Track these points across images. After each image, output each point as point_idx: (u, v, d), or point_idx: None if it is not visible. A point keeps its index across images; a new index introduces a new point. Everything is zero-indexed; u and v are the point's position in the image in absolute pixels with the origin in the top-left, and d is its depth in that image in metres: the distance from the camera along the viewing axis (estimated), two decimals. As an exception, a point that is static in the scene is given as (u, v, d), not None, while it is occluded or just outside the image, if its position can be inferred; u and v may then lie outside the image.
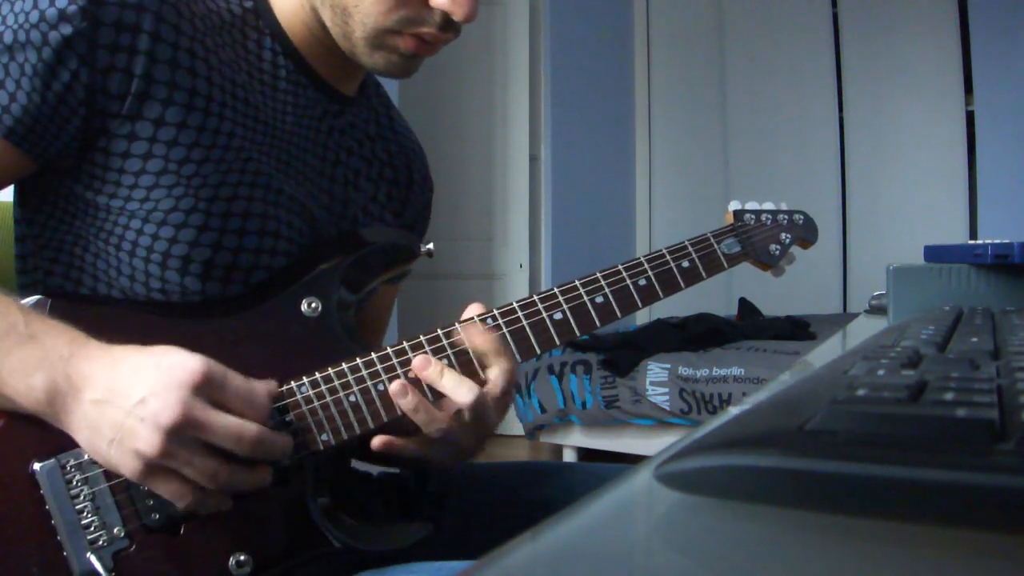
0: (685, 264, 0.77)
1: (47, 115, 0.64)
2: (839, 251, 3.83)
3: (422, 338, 0.70)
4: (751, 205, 0.83)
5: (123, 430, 0.57)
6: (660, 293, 0.75)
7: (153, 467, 0.58)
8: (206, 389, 0.58)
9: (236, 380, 0.60)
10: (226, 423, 0.58)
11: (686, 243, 0.78)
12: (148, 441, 0.57)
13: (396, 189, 0.87)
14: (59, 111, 0.64)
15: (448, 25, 0.69)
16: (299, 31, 0.74)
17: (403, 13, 0.68)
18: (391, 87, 2.54)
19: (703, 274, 0.78)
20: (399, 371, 0.68)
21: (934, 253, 0.84)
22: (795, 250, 0.84)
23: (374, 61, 0.71)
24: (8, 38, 0.62)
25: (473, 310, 0.72)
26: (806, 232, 0.84)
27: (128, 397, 0.57)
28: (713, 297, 3.62)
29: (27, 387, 0.59)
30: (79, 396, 0.59)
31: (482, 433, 0.70)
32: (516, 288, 3.54)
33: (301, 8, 0.73)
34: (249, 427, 0.59)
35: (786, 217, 0.83)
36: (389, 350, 0.69)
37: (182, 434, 0.57)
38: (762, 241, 0.81)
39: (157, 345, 0.61)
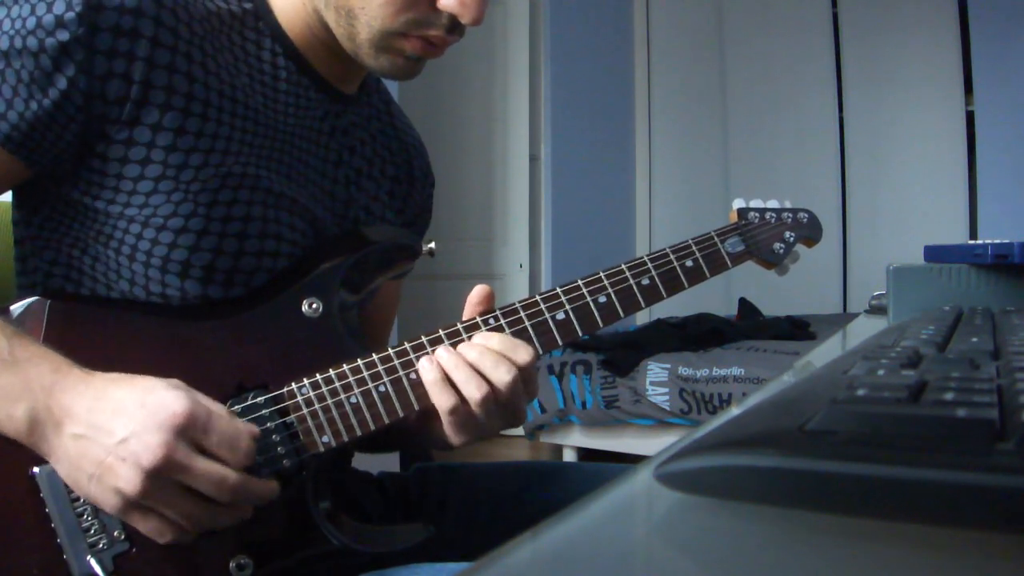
0: (689, 263, 0.76)
1: (44, 122, 0.63)
2: (839, 251, 3.83)
3: (424, 339, 0.70)
4: (755, 203, 0.83)
5: (103, 467, 0.57)
6: (664, 293, 0.75)
7: (132, 505, 0.57)
8: (190, 432, 0.57)
9: (221, 423, 0.59)
10: (207, 469, 0.58)
11: (689, 242, 0.77)
12: (128, 480, 0.56)
13: (398, 186, 0.87)
14: (56, 118, 0.63)
15: (454, 27, 0.69)
16: (300, 32, 0.74)
17: (410, 15, 0.67)
18: (391, 88, 2.53)
19: (707, 273, 0.77)
20: (400, 372, 0.68)
21: (934, 253, 0.84)
22: (798, 249, 0.83)
23: (379, 63, 0.71)
24: (4, 44, 0.62)
25: (477, 295, 0.71)
26: (810, 230, 0.83)
27: (110, 435, 0.57)
28: (713, 297, 3.62)
29: (7, 416, 0.58)
30: (60, 429, 0.58)
31: (509, 419, 0.69)
32: (516, 288, 3.54)
33: (303, 8, 0.73)
34: (231, 475, 0.58)
35: (790, 215, 0.82)
36: (391, 351, 0.69)
37: (163, 476, 0.56)
38: (766, 240, 0.81)
39: (142, 376, 0.60)
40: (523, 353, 0.67)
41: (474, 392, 0.65)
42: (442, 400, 0.66)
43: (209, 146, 0.67)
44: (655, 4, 4.28)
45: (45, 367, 0.59)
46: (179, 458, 0.56)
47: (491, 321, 0.71)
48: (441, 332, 0.70)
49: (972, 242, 0.83)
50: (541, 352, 0.72)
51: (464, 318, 0.71)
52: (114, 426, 0.57)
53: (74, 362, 0.60)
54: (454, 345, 0.69)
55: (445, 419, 0.67)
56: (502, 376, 0.65)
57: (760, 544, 0.21)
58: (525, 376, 0.67)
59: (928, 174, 3.67)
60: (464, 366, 0.66)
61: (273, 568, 0.65)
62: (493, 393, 0.66)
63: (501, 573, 0.20)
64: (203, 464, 0.58)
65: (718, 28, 4.13)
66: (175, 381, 0.60)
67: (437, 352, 0.67)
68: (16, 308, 0.66)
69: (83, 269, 0.69)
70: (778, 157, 3.94)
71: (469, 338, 0.69)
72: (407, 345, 0.69)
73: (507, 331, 0.71)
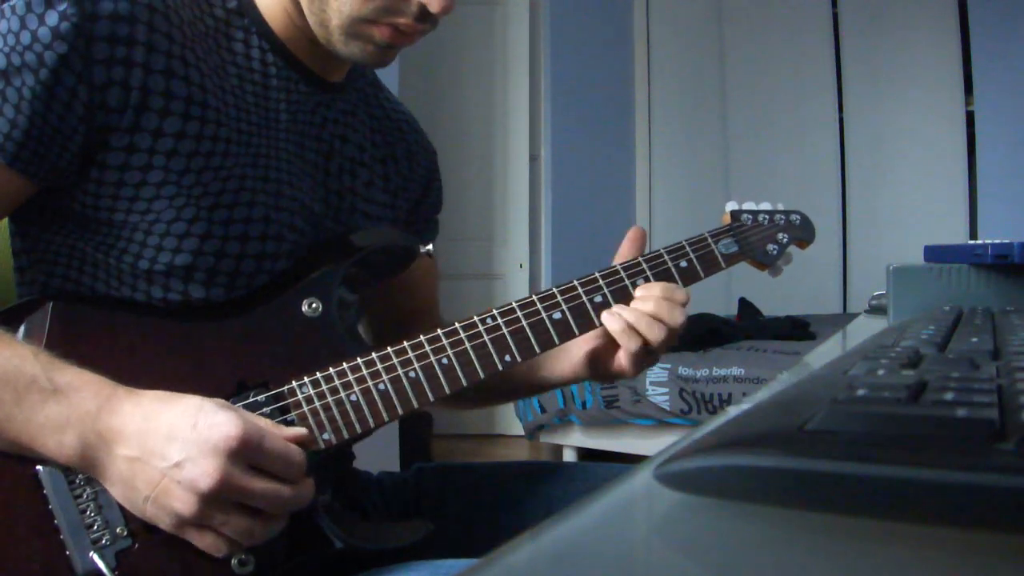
0: (683, 264, 0.78)
1: (49, 137, 0.62)
2: (839, 251, 3.83)
3: (422, 337, 0.70)
4: (748, 205, 0.84)
5: (159, 488, 0.57)
6: None
7: (189, 524, 0.58)
8: (244, 453, 0.58)
9: (274, 441, 0.59)
10: (263, 489, 0.58)
11: (683, 243, 0.79)
12: (185, 502, 0.57)
13: (394, 165, 0.87)
14: (61, 131, 0.63)
15: (424, 16, 0.68)
16: (282, 23, 0.74)
17: (379, 2, 0.67)
18: (391, 87, 2.52)
19: (701, 274, 0.79)
20: (399, 371, 0.69)
21: (934, 253, 0.84)
22: (794, 250, 0.84)
23: (350, 50, 0.71)
24: (1, 63, 0.61)
25: (632, 235, 0.81)
26: (803, 232, 0.84)
27: (163, 458, 0.57)
28: (713, 297, 3.61)
29: (58, 445, 0.58)
30: (111, 451, 0.58)
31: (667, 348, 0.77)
32: (516, 288, 3.54)
33: None
34: (285, 491, 0.59)
35: (783, 217, 0.84)
36: (390, 349, 0.69)
37: (219, 498, 0.57)
38: (759, 241, 0.82)
39: (188, 396, 0.60)
40: (681, 294, 0.76)
41: (658, 336, 0.74)
42: (630, 344, 0.75)
43: (209, 149, 0.67)
44: (655, 4, 4.28)
45: (87, 391, 0.59)
46: (234, 481, 0.57)
47: (488, 320, 0.72)
48: (440, 331, 0.71)
49: (972, 242, 0.82)
50: (539, 351, 0.72)
51: (619, 258, 0.79)
52: (168, 450, 0.57)
53: (114, 380, 0.60)
54: (454, 344, 0.70)
55: (628, 358, 0.77)
56: (677, 319, 0.75)
57: (760, 544, 0.21)
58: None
59: (928, 174, 3.67)
60: (645, 317, 0.74)
61: (274, 565, 0.65)
62: (670, 333, 0.75)
63: (501, 573, 0.20)
64: (259, 484, 0.58)
65: (718, 28, 4.13)
66: (221, 401, 0.61)
67: (617, 308, 0.75)
68: (25, 321, 0.65)
69: (82, 279, 0.69)
70: (778, 157, 3.94)
71: (487, 330, 0.71)
72: (406, 344, 0.70)
73: (504, 331, 0.71)
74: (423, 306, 0.93)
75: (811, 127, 3.91)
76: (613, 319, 0.74)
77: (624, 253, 0.79)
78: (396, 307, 0.92)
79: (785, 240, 0.83)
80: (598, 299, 0.74)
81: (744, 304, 3.49)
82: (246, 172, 0.69)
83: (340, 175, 0.80)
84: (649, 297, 0.75)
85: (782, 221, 0.83)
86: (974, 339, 0.40)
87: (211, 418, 0.58)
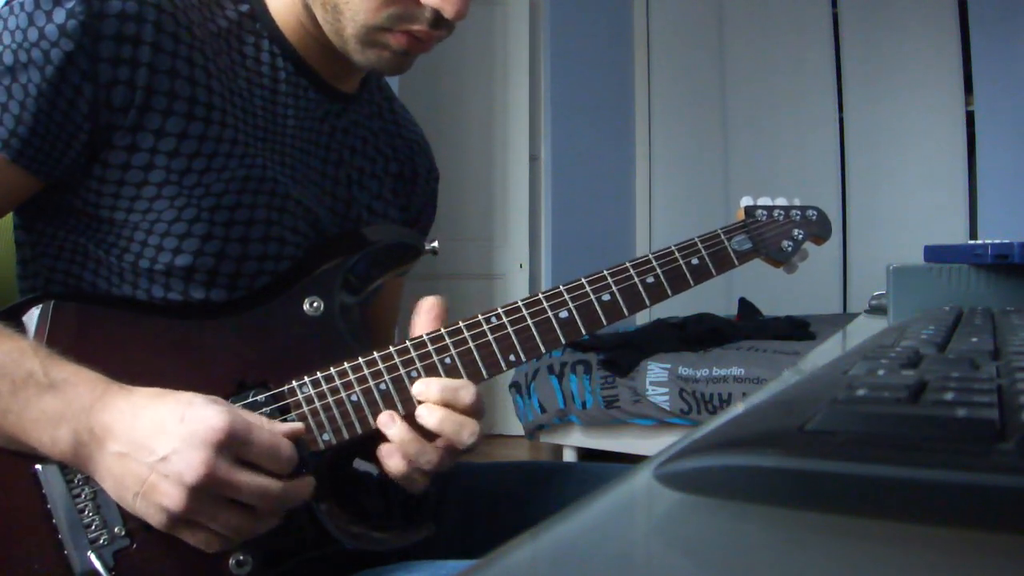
0: (695, 261, 0.76)
1: (54, 134, 0.63)
2: (839, 251, 3.83)
3: (425, 336, 0.70)
4: (763, 201, 0.82)
5: (147, 484, 0.57)
6: (669, 291, 0.74)
7: (179, 520, 0.58)
8: (230, 446, 0.57)
9: (261, 434, 0.59)
10: (250, 482, 0.58)
11: (695, 240, 0.77)
12: (172, 497, 0.57)
13: (401, 183, 0.87)
14: (65, 128, 0.63)
15: (439, 22, 0.68)
16: (295, 30, 0.74)
17: (393, 10, 0.67)
18: (391, 86, 2.52)
19: (713, 271, 0.77)
20: (401, 371, 0.68)
21: (934, 253, 0.84)
22: (808, 246, 0.83)
23: (366, 58, 0.71)
24: (8, 59, 0.61)
25: (427, 308, 0.71)
26: (819, 228, 0.83)
27: (151, 452, 0.57)
28: (713, 297, 3.61)
29: (51, 439, 0.58)
30: (102, 447, 0.58)
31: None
32: (516, 288, 3.54)
33: (295, 6, 0.73)
34: (273, 485, 0.59)
35: (799, 213, 0.82)
36: (392, 349, 0.69)
37: (206, 492, 0.57)
38: (774, 238, 0.80)
39: (180, 392, 0.60)
40: (467, 394, 0.66)
41: (436, 460, 0.66)
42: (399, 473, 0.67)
43: (212, 150, 0.67)
44: (655, 4, 4.28)
45: (83, 387, 0.59)
46: (221, 474, 0.57)
47: (493, 319, 0.71)
48: (443, 330, 0.70)
49: (972, 242, 0.82)
50: (544, 351, 0.72)
51: (416, 330, 0.70)
52: (155, 444, 0.57)
53: (109, 376, 0.60)
54: (457, 344, 0.69)
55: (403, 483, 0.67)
56: (466, 440, 0.65)
57: (760, 544, 0.21)
58: (475, 410, 0.67)
59: (928, 174, 3.67)
60: (422, 447, 0.66)
61: (272, 565, 0.65)
62: (459, 451, 0.67)
63: (501, 573, 0.20)
64: (246, 477, 0.58)
65: (718, 28, 4.13)
66: (212, 396, 0.60)
67: (394, 434, 0.66)
68: (27, 317, 0.66)
69: (84, 275, 0.69)
70: (778, 157, 3.94)
71: (472, 338, 0.69)
72: (409, 343, 0.69)
73: (509, 330, 0.71)
74: (382, 325, 0.90)
75: (811, 127, 3.91)
76: (392, 456, 0.66)
77: (423, 324, 0.71)
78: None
79: (801, 236, 0.82)
80: (606, 297, 0.73)
81: (744, 304, 3.49)
82: (250, 174, 0.69)
83: (349, 185, 0.79)
84: (435, 411, 0.66)
85: (798, 217, 0.82)
86: (974, 339, 0.40)
87: (198, 411, 0.58)
